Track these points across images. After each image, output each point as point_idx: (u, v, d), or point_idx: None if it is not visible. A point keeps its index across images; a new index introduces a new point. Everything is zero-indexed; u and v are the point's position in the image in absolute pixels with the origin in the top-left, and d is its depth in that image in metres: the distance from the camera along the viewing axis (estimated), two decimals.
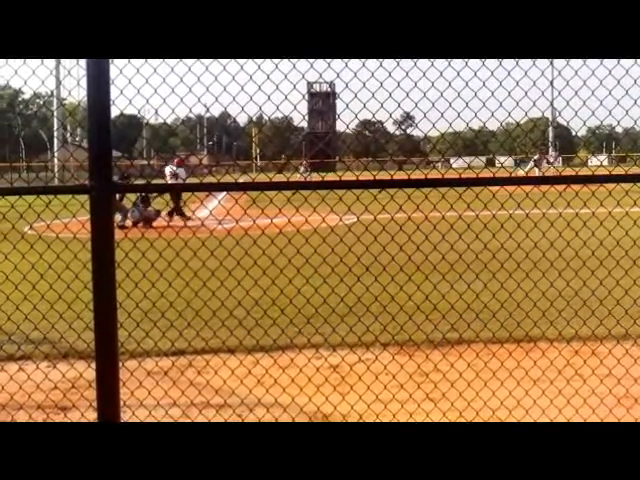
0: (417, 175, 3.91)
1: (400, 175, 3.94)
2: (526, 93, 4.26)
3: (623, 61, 4.16)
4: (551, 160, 33.45)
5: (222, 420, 5.21)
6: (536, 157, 30.46)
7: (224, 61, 3.64)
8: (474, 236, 4.65)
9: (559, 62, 4.14)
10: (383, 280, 5.70)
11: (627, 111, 4.43)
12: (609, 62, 4.20)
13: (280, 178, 4.28)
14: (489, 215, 4.90)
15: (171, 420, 5.01)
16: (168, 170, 20.50)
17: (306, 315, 6.03)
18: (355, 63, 3.84)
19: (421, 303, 5.44)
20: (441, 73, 4.04)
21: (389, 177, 3.95)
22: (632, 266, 5.57)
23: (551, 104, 4.91)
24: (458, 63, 3.92)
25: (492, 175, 3.90)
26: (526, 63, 4.20)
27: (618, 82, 4.42)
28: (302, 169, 31.03)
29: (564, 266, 5.77)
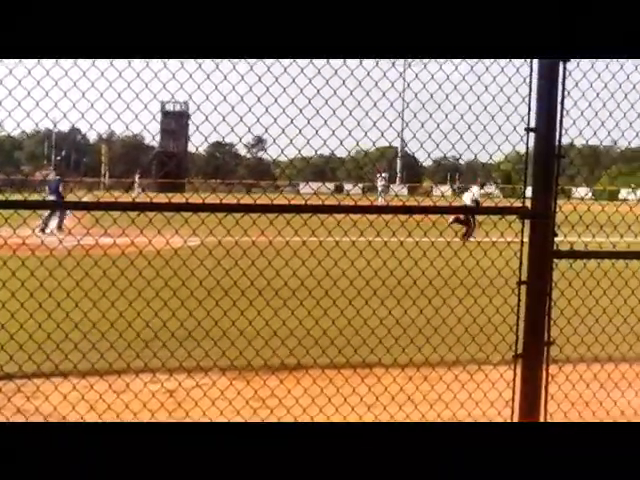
0: (264, 200, 3.96)
1: (247, 199, 3.96)
2: (374, 123, 4.37)
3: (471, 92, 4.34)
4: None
5: None
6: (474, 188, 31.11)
7: (75, 76, 3.56)
8: (316, 262, 4.72)
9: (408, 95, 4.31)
10: (224, 305, 5.67)
11: (468, 145, 4.64)
12: (456, 98, 4.37)
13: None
14: (333, 241, 5.00)
15: None
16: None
17: (145, 339, 5.91)
18: (208, 85, 3.84)
19: (261, 328, 5.45)
20: (292, 100, 4.10)
21: (235, 200, 3.97)
22: (466, 295, 5.79)
23: (399, 135, 5.07)
24: (310, 90, 4.01)
25: (338, 203, 4.00)
26: (377, 94, 4.32)
27: (461, 117, 4.62)
28: (137, 189, 30.52)
29: (403, 294, 5.94)
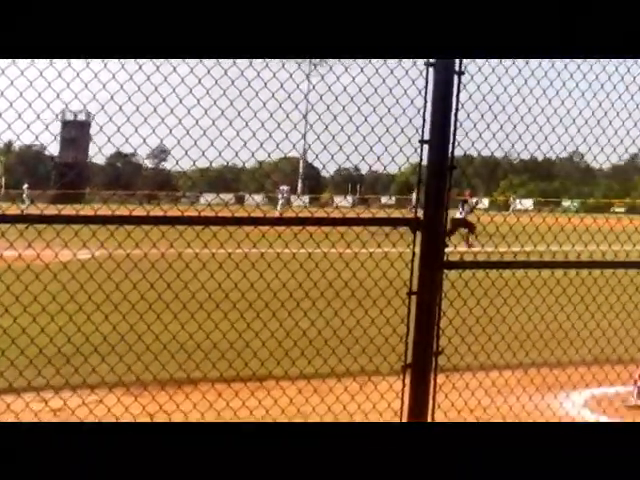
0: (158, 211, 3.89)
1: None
2: (270, 134, 4.34)
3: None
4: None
5: None
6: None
7: None
8: (209, 275, 4.67)
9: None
10: (113, 319, 5.53)
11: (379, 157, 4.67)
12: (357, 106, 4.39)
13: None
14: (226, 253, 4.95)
15: None
16: None
17: (29, 355, 5.69)
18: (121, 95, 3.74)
19: (151, 343, 5.34)
20: (189, 111, 4.04)
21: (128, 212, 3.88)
22: (357, 306, 5.85)
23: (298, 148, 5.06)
24: (223, 102, 3.97)
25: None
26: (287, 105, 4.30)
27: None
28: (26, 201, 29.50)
29: (294, 305, 5.93)
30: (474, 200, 29.86)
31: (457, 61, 4.14)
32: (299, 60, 4.27)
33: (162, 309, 5.03)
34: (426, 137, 4.16)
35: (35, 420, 5.04)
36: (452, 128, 4.21)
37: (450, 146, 4.20)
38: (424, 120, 4.13)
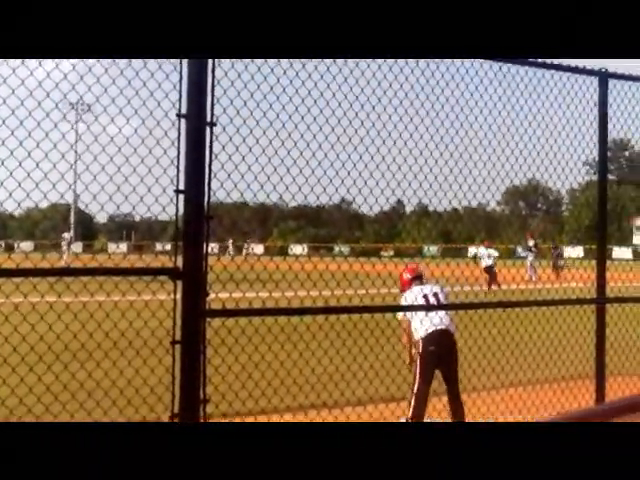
0: None
1: None
2: (37, 184, 4.15)
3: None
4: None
5: None
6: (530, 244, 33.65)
7: None
8: None
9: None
10: None
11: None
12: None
13: None
14: None
15: None
16: None
17: None
18: None
19: None
20: None
21: None
22: (120, 357, 5.67)
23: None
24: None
25: None
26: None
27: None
28: None
29: (54, 359, 5.68)
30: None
31: (209, 112, 4.20)
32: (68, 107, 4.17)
33: None
34: (181, 187, 4.16)
35: None
36: (207, 178, 4.24)
37: (206, 196, 4.23)
38: (178, 170, 4.13)
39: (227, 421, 5.38)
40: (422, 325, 7.49)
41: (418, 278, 8.05)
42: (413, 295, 7.67)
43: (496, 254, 29.96)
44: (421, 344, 7.50)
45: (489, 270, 28.29)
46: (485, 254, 29.63)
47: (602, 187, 6.55)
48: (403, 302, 7.73)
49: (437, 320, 7.48)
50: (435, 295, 7.70)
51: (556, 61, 6.04)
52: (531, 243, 35.28)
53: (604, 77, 6.40)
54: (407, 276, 8.06)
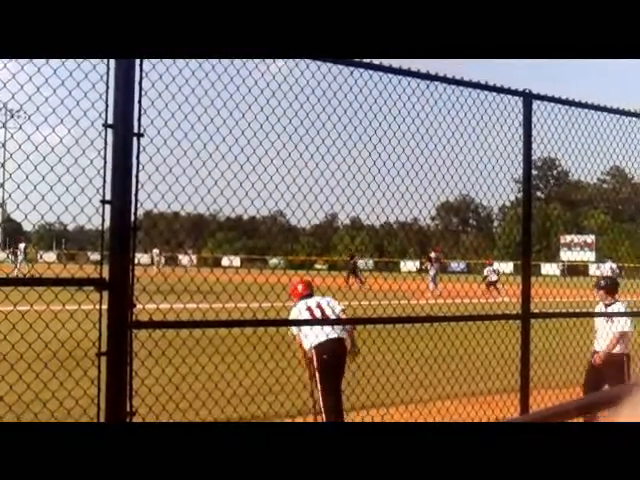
0: None
1: None
2: None
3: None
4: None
5: None
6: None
7: None
8: None
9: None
10: None
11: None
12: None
13: None
14: None
15: None
16: None
17: None
18: None
19: None
20: None
21: None
22: (43, 368, 5.56)
23: None
24: None
25: None
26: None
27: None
28: None
29: None
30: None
31: (136, 123, 4.19)
32: None
33: None
34: (108, 197, 4.14)
35: None
36: (134, 189, 4.23)
37: (132, 207, 4.22)
38: (104, 180, 4.11)
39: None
40: (312, 331, 7.66)
41: (309, 294, 8.24)
42: (297, 310, 7.88)
43: (500, 270, 33.46)
44: (314, 353, 7.65)
45: (494, 285, 30.10)
46: (491, 270, 33.55)
47: (526, 204, 6.71)
48: (291, 317, 7.92)
49: (328, 328, 7.64)
50: (318, 306, 7.88)
51: (482, 81, 6.19)
52: (433, 255, 36.66)
53: (528, 98, 6.57)
54: (299, 289, 8.25)
